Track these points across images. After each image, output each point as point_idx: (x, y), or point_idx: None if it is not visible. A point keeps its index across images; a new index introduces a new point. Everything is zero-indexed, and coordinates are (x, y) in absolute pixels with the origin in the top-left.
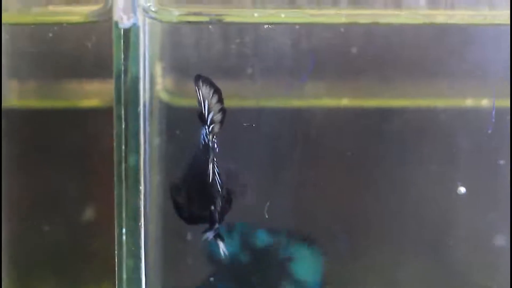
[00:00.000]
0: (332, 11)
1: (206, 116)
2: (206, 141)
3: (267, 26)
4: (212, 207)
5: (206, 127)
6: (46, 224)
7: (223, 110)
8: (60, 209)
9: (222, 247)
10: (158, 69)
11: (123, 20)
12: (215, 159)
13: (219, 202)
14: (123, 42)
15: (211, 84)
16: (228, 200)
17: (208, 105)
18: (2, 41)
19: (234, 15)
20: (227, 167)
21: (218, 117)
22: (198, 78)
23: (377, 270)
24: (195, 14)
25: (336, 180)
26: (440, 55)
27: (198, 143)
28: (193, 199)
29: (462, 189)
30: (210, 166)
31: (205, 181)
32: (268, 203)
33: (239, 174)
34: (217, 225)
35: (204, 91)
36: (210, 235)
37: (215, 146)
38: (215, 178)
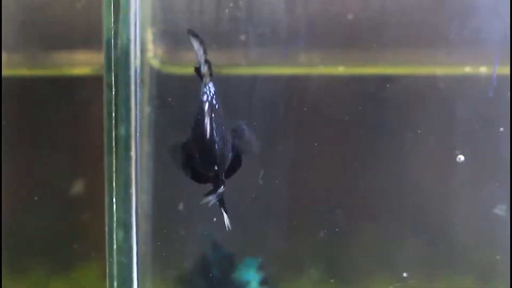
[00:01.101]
0: None
1: (201, 70)
2: (205, 97)
3: None
4: (215, 167)
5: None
6: (35, 196)
7: (208, 62)
8: (50, 180)
9: (225, 218)
10: (149, 35)
11: None
12: (213, 115)
13: (222, 161)
14: (113, 5)
15: (199, 37)
16: (234, 159)
17: (201, 57)
18: None
19: None
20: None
21: (206, 68)
22: (189, 32)
23: (375, 243)
24: None
25: (332, 148)
26: (438, 22)
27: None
28: (194, 157)
29: (461, 157)
30: (207, 120)
31: (205, 138)
32: (262, 172)
33: (244, 130)
34: (221, 188)
35: (198, 44)
36: (212, 198)
37: (213, 102)
38: (214, 134)
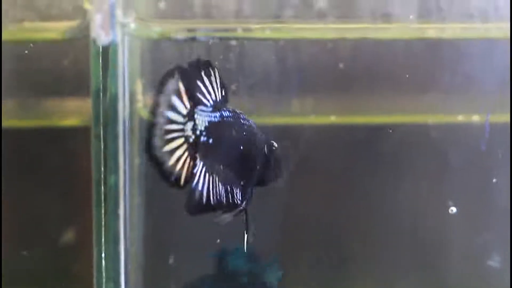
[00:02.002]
0: (319, 26)
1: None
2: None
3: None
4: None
5: None
6: (23, 246)
7: None
8: (38, 231)
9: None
10: (139, 86)
11: (101, 37)
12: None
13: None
14: (102, 59)
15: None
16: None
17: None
18: None
19: (218, 31)
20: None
21: None
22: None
23: None
24: (176, 31)
25: (325, 198)
26: (431, 70)
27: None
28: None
29: (454, 209)
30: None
31: None
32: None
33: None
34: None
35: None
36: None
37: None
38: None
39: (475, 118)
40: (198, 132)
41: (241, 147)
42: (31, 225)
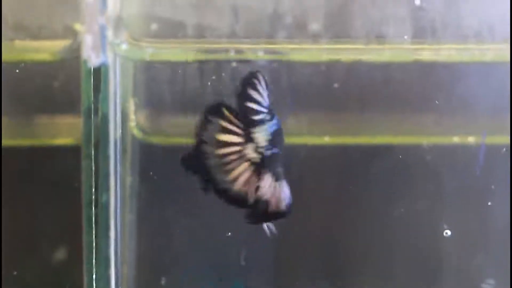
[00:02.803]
0: (313, 47)
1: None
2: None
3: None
4: None
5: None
6: (14, 266)
7: None
8: (29, 251)
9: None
10: (131, 106)
11: (92, 58)
12: None
13: None
14: (93, 80)
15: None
16: None
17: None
18: None
19: (211, 53)
20: None
21: None
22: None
23: None
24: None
25: (318, 219)
26: (425, 92)
27: None
28: None
29: (448, 232)
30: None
31: None
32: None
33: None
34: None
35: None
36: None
37: None
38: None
39: (471, 139)
40: (260, 150)
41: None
42: (22, 244)
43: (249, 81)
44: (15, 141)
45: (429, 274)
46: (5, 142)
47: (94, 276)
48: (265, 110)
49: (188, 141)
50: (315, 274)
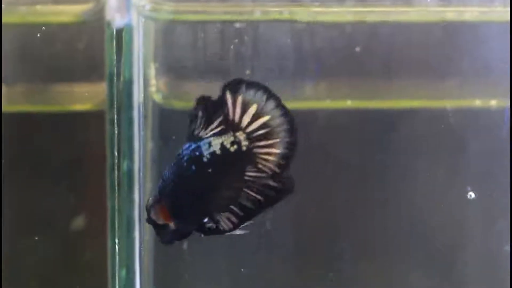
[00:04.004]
0: (338, 9)
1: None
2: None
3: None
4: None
5: None
6: (35, 234)
7: None
8: (50, 219)
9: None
10: (152, 71)
11: (116, 20)
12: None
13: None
14: (116, 43)
15: None
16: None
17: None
18: None
19: (234, 13)
20: None
21: None
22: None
23: (384, 280)
24: (192, 12)
25: (340, 185)
26: (449, 54)
27: None
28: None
29: (472, 194)
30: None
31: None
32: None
33: None
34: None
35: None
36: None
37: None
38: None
39: (493, 103)
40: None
41: None
42: (43, 212)
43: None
44: (34, 107)
45: (453, 237)
46: (24, 108)
47: (117, 240)
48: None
49: None
50: (336, 234)
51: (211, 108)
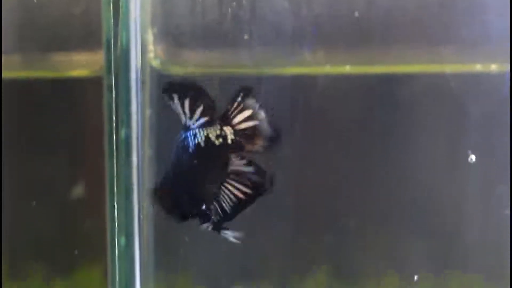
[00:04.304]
0: None
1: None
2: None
3: None
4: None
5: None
6: (33, 202)
7: None
8: (49, 186)
9: (230, 235)
10: (150, 36)
11: None
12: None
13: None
14: (113, 8)
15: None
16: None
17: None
18: None
19: None
20: None
21: None
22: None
23: (385, 244)
24: None
25: (340, 149)
26: (448, 19)
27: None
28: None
29: (473, 158)
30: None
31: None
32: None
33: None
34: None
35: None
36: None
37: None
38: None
39: (494, 67)
40: None
41: None
42: (42, 178)
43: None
44: (32, 73)
45: (454, 201)
46: (22, 74)
47: (115, 205)
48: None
49: (206, 71)
50: (337, 199)
51: (188, 97)
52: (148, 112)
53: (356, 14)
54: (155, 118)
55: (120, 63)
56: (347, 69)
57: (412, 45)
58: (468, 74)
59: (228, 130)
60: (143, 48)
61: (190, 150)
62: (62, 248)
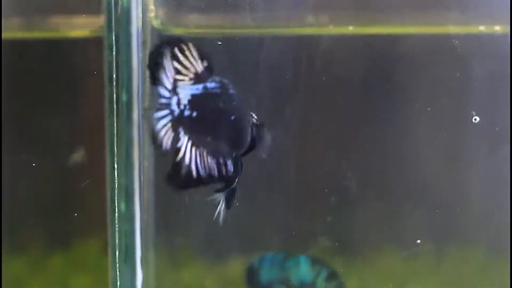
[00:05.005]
0: None
1: None
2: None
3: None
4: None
5: None
6: (33, 164)
7: None
8: (49, 147)
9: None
10: None
11: None
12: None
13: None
14: None
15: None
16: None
17: None
18: None
19: None
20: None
21: None
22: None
23: (387, 212)
24: None
25: (343, 110)
26: None
27: None
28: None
29: (477, 118)
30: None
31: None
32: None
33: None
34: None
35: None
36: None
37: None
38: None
39: (497, 28)
40: (182, 106)
41: (232, 117)
42: (42, 140)
43: (175, 42)
44: (33, 33)
45: (456, 162)
46: (22, 34)
47: (116, 166)
48: (189, 75)
49: (207, 32)
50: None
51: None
52: (148, 72)
53: None
54: None
55: (121, 22)
56: (350, 29)
57: (415, 6)
58: (472, 35)
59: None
60: (144, 8)
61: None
62: (61, 214)
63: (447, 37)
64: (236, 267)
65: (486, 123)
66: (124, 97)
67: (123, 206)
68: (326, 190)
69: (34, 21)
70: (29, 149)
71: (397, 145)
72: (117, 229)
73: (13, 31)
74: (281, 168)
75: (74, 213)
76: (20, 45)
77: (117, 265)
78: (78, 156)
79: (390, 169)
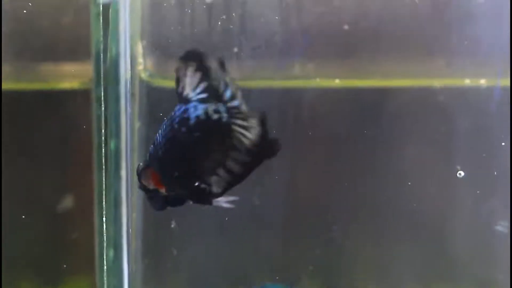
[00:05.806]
0: None
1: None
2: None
3: None
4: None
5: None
6: (21, 214)
7: None
8: (37, 198)
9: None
10: (139, 48)
11: None
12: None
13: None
14: (102, 19)
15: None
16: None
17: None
18: None
19: None
20: None
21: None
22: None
23: (373, 257)
24: None
25: (328, 162)
26: (437, 32)
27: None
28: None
29: (462, 173)
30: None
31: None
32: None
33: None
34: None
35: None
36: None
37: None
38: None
39: (483, 81)
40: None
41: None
42: (30, 191)
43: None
44: (21, 84)
45: (442, 215)
46: (10, 86)
47: (104, 218)
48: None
49: None
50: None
51: (195, 70)
52: (137, 124)
53: (346, 27)
54: (145, 130)
55: (109, 75)
56: (337, 82)
57: (401, 59)
58: (457, 88)
59: (221, 108)
60: (133, 60)
61: (192, 122)
62: (50, 261)
63: (432, 91)
64: None
65: (471, 177)
66: (112, 148)
67: (111, 255)
68: (312, 235)
69: (24, 72)
70: (18, 198)
71: (382, 196)
72: (105, 278)
73: (3, 81)
74: (267, 218)
75: (62, 262)
76: (9, 96)
77: None
78: (67, 205)
79: (375, 218)
